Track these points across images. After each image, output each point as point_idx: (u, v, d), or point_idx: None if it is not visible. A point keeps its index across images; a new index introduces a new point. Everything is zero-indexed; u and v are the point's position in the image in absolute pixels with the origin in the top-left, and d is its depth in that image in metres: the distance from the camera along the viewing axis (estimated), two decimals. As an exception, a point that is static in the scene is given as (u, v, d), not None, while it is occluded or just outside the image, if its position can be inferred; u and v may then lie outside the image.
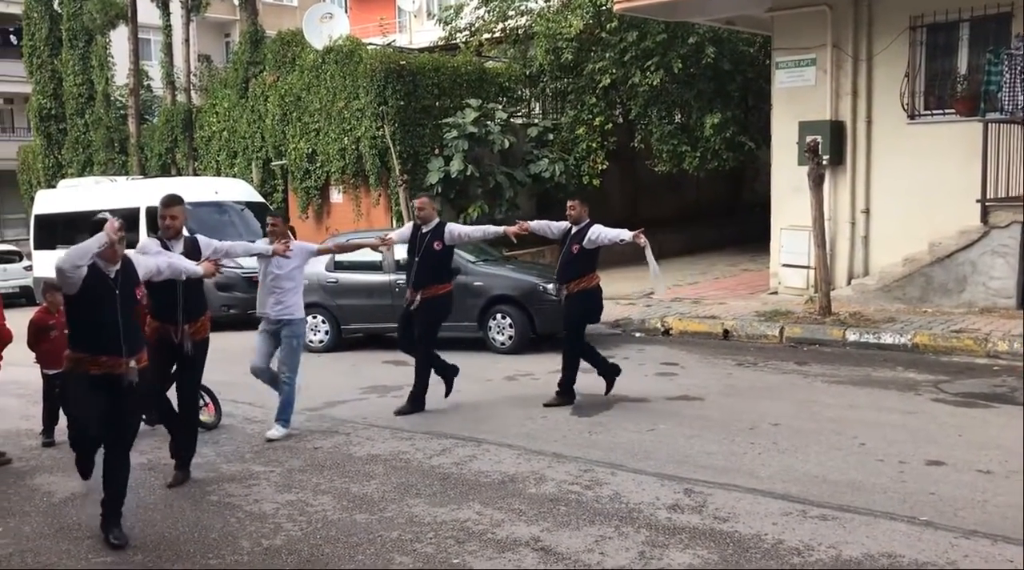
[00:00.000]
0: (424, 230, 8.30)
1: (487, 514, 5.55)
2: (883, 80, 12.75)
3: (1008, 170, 11.32)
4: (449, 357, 10.97)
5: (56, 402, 7.90)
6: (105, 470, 5.47)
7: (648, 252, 8.24)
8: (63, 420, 7.88)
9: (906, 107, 12.58)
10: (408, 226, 8.62)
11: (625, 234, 8.21)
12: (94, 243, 5.11)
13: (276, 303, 7.65)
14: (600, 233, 8.31)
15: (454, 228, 8.44)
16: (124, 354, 5.34)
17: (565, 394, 8.46)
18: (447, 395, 8.51)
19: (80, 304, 5.30)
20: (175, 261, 6.29)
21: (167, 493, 6.27)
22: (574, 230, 8.46)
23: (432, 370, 8.42)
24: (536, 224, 8.77)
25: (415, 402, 8.31)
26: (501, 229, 8.75)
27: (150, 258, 6.11)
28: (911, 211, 12.35)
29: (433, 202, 8.61)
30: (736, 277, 16.21)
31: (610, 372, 8.68)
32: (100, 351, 5.31)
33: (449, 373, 8.56)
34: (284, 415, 7.66)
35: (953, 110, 12.19)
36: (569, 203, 8.59)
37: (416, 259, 8.26)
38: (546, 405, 8.30)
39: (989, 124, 11.17)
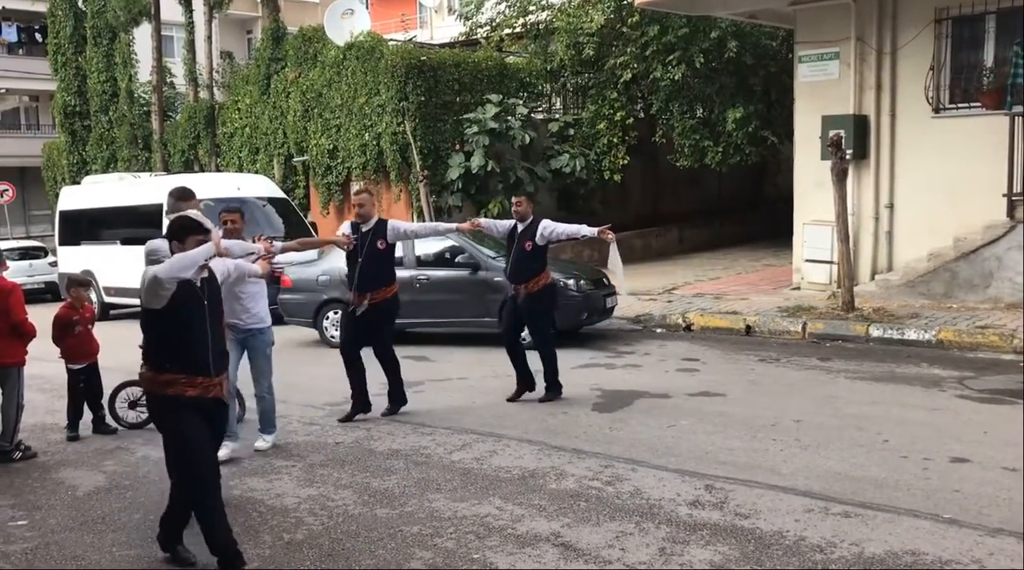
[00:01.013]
0: (364, 229, 7.75)
1: (507, 509, 5.55)
2: (907, 73, 12.62)
3: (1035, 164, 11.19)
4: (471, 352, 11.07)
5: (81, 397, 7.99)
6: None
7: (613, 248, 8.04)
8: (88, 414, 8.00)
9: (931, 101, 12.44)
10: (348, 224, 7.96)
11: (586, 230, 8.03)
12: (201, 254, 4.67)
13: (244, 311, 6.86)
14: (554, 228, 8.08)
15: (398, 225, 8.04)
16: (214, 373, 4.82)
17: (553, 388, 8.38)
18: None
19: (169, 318, 4.70)
20: (241, 264, 5.96)
21: (190, 487, 6.31)
22: (521, 228, 8.24)
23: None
24: (485, 221, 8.59)
25: (397, 398, 8.18)
26: (453, 225, 8.57)
27: (220, 262, 5.48)
28: (936, 206, 12.22)
29: (373, 198, 8.05)
30: (758, 272, 16.12)
31: (529, 382, 8.44)
32: (196, 371, 4.75)
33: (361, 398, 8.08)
34: (270, 424, 7.21)
35: (979, 103, 12.04)
36: (515, 199, 8.36)
37: (359, 260, 7.74)
38: (540, 400, 8.27)
39: (1016, 117, 11.04)
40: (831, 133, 11.96)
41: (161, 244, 5.98)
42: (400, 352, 11.09)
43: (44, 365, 8.94)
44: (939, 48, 12.38)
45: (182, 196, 6.25)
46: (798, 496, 5.56)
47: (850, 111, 12.90)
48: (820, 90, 13.33)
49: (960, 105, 12.34)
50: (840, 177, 11.28)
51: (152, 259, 5.87)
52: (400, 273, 11.71)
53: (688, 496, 5.65)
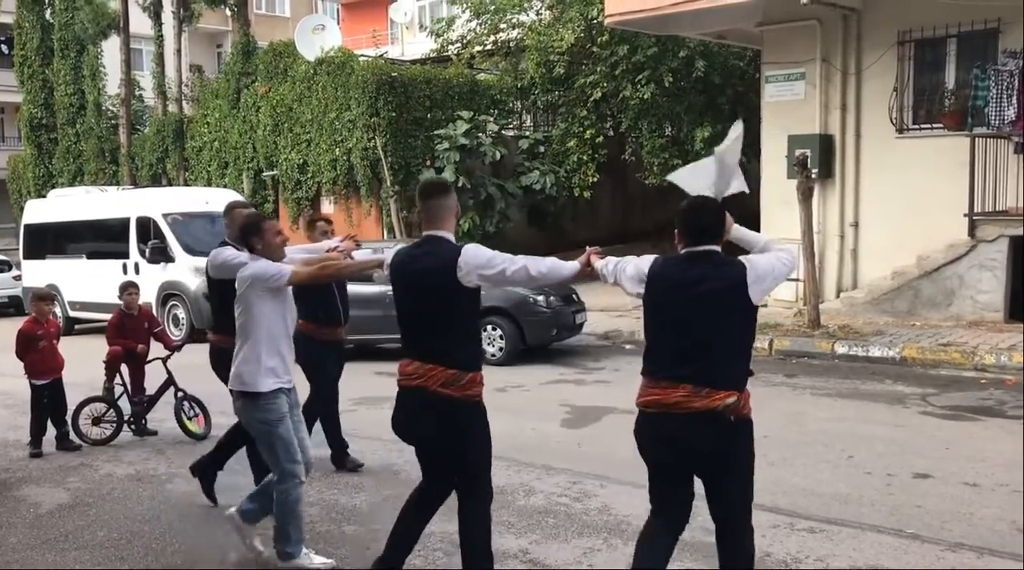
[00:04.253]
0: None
1: (476, 526, 5.54)
2: (872, 94, 12.85)
3: (995, 184, 11.42)
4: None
5: (44, 413, 7.87)
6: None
7: None
8: (51, 430, 7.88)
9: (894, 121, 12.67)
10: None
11: None
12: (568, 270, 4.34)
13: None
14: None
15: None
16: None
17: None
18: None
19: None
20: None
21: (155, 505, 6.25)
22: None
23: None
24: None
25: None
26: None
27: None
28: (900, 224, 12.42)
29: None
30: (726, 289, 16.22)
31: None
32: None
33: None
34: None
35: (941, 124, 12.29)
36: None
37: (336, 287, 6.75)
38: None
39: (976, 138, 11.27)
40: (797, 152, 12.14)
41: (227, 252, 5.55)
42: (370, 367, 11.11)
43: (7, 380, 8.83)
44: (902, 70, 12.62)
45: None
46: (764, 512, 5.59)
47: (816, 131, 13.09)
48: (786, 110, 13.52)
49: (923, 126, 12.58)
50: (806, 196, 11.44)
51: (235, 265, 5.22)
52: (370, 289, 11.82)
53: (656, 512, 5.67)
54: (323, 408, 6.81)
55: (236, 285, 4.83)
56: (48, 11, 25.51)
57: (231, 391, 4.93)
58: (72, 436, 7.95)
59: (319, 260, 5.52)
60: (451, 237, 4.28)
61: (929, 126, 12.49)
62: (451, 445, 4.23)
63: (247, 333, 4.81)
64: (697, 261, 3.87)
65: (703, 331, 3.80)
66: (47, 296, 8.24)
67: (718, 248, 3.91)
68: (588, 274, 4.43)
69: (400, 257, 4.33)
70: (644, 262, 4.06)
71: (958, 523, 5.33)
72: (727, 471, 3.92)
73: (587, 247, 4.43)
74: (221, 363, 5.66)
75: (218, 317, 5.89)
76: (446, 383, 4.12)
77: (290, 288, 4.86)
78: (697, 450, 3.87)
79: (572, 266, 4.33)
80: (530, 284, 4.38)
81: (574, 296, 11.95)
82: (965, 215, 11.31)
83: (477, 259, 4.13)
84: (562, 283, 4.29)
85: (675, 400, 3.82)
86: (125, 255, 15.85)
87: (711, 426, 3.79)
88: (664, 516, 4.10)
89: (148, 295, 13.95)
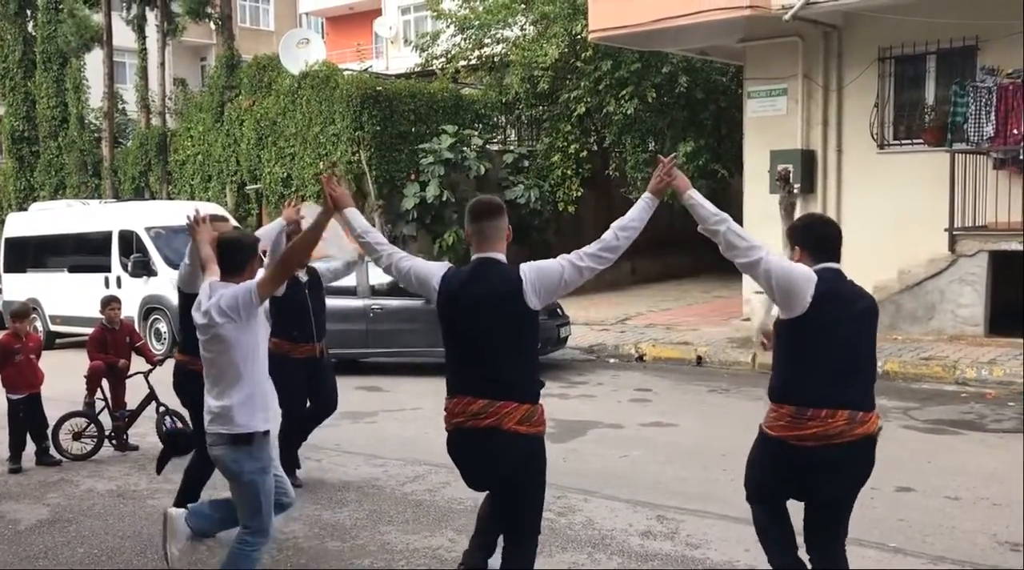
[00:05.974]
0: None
1: (460, 541, 5.52)
2: (853, 110, 12.95)
3: (975, 199, 11.52)
4: (425, 382, 11.02)
5: (22, 428, 7.78)
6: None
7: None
8: (30, 446, 7.81)
9: (875, 137, 12.78)
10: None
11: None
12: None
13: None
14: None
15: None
16: None
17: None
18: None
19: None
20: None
21: (136, 521, 6.20)
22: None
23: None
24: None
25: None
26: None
27: None
28: (881, 239, 12.48)
29: None
30: (709, 303, 16.31)
31: None
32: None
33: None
34: None
35: (921, 140, 12.41)
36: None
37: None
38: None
39: (956, 154, 11.37)
40: (779, 167, 12.21)
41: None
42: (353, 382, 11.07)
43: (-14, 395, 8.72)
44: (883, 86, 12.74)
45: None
46: (748, 526, 5.57)
47: (798, 146, 13.18)
48: (768, 125, 13.61)
49: (903, 141, 12.70)
50: (788, 211, 11.49)
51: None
52: (353, 302, 11.81)
53: (640, 526, 5.68)
54: (285, 425, 6.34)
55: (202, 319, 4.26)
56: (31, 23, 25.37)
57: (211, 434, 4.34)
58: (52, 451, 7.88)
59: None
60: (504, 259, 3.94)
61: (910, 142, 12.61)
62: (530, 485, 3.93)
63: (233, 368, 4.25)
64: (844, 277, 3.82)
65: (862, 350, 3.75)
66: (22, 313, 8.07)
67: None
68: (660, 193, 4.19)
69: (453, 283, 3.91)
70: (802, 269, 3.82)
71: (940, 537, 5.35)
72: (858, 490, 3.94)
73: (660, 156, 4.10)
74: (189, 385, 5.53)
75: (190, 335, 5.14)
76: (522, 420, 3.75)
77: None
78: (860, 475, 3.83)
79: (642, 206, 4.04)
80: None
81: (558, 310, 11.96)
82: (945, 230, 11.40)
83: (542, 280, 3.86)
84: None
85: (839, 429, 3.70)
86: (107, 269, 15.76)
87: (869, 450, 3.81)
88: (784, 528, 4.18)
89: (130, 309, 13.86)
